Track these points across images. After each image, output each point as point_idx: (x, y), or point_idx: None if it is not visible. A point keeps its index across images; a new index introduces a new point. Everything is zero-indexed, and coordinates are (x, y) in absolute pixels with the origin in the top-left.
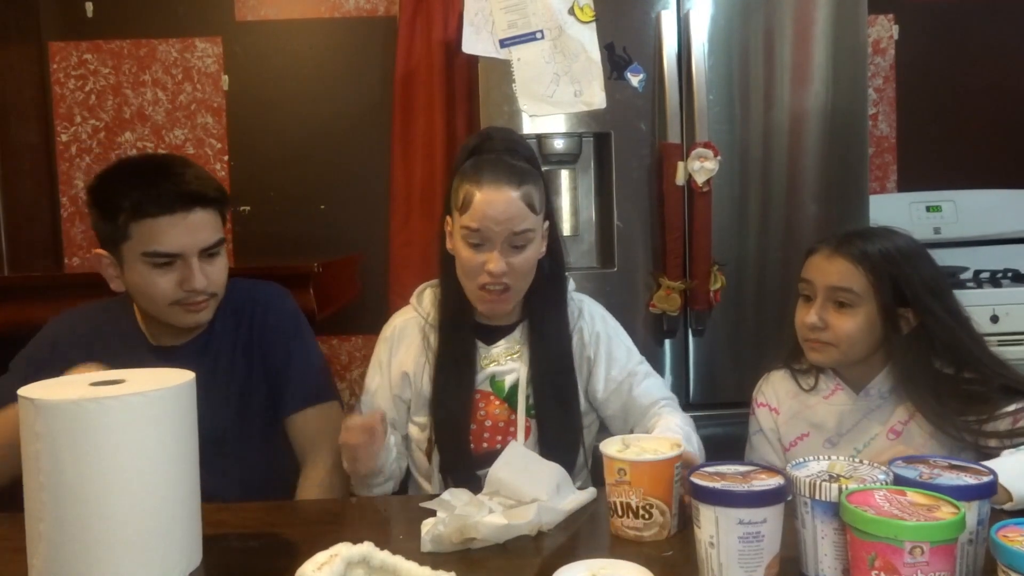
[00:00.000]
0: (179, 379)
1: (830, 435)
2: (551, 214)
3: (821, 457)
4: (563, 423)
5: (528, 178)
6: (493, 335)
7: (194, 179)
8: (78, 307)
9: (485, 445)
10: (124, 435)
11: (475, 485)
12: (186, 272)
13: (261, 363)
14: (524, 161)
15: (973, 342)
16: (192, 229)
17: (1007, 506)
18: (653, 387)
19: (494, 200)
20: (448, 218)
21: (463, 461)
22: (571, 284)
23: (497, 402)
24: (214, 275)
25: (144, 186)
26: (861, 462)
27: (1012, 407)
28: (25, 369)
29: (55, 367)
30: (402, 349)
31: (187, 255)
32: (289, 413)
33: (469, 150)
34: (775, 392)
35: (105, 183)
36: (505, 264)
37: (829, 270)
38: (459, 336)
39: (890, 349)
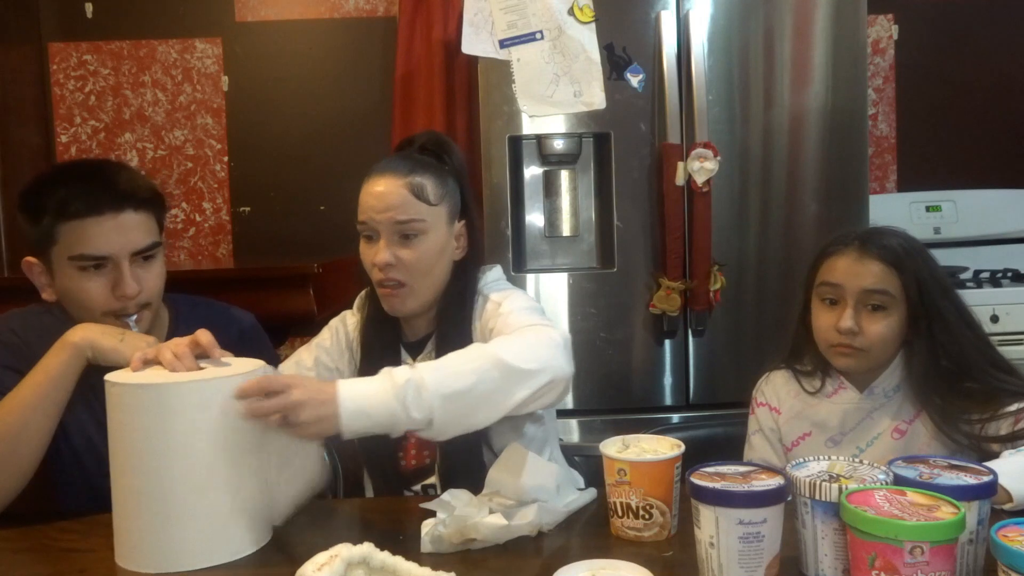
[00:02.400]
0: (253, 366)
1: (833, 434)
2: (470, 215)
3: (821, 457)
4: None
5: (423, 169)
6: (416, 349)
7: (126, 180)
8: (18, 311)
9: (414, 462)
10: (203, 415)
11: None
12: (117, 277)
13: None
14: (432, 157)
15: (980, 340)
16: (122, 230)
17: (1007, 506)
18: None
19: (374, 189)
20: None
21: (393, 479)
22: (491, 275)
23: None
24: (148, 281)
25: (70, 186)
26: (861, 462)
27: (1014, 407)
28: None
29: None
30: (334, 348)
31: (117, 258)
32: None
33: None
34: (776, 392)
35: (34, 186)
36: (392, 256)
37: (862, 273)
38: (382, 350)
39: (908, 350)
